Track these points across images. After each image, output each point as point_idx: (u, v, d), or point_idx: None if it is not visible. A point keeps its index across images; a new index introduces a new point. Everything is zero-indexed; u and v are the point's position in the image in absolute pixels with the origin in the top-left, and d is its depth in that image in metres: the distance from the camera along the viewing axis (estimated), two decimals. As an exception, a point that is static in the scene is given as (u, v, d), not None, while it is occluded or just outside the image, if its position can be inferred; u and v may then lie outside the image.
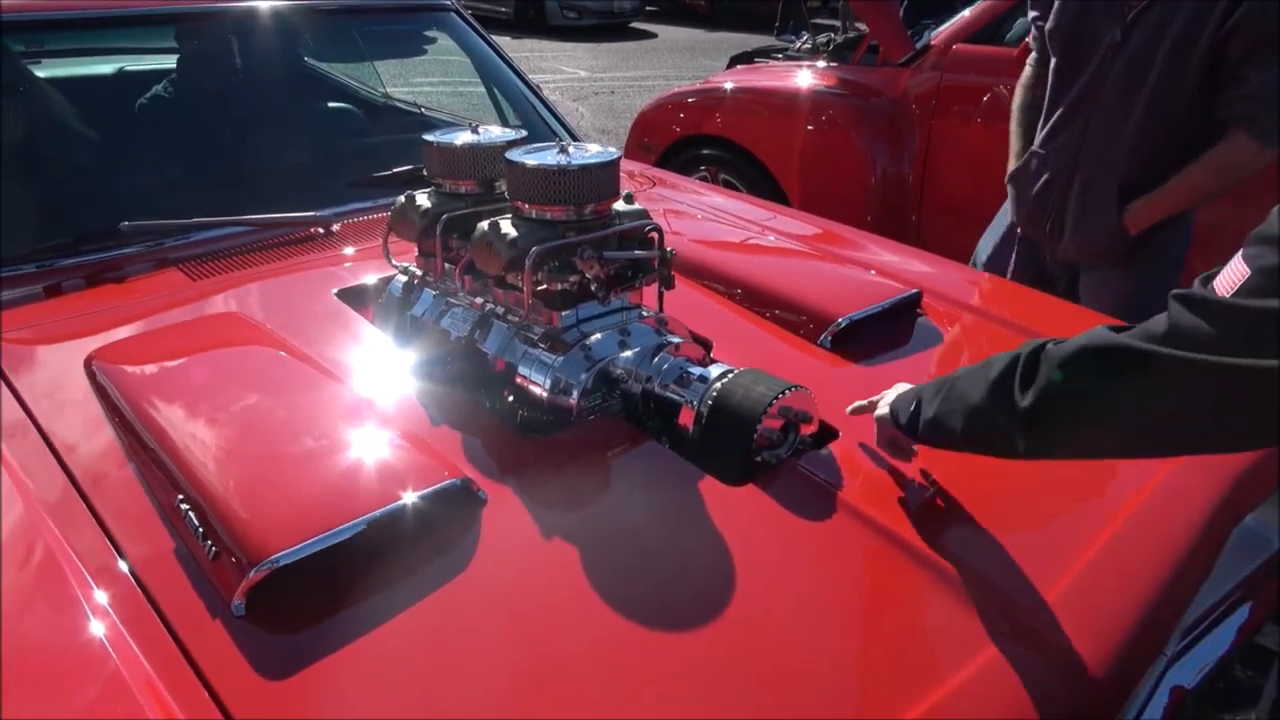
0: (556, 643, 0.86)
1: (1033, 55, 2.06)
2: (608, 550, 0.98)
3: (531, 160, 1.18)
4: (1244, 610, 1.43)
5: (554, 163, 1.17)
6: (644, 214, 1.28)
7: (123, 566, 0.90)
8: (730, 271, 1.60)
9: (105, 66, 2.52)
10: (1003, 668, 0.87)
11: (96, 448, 1.08)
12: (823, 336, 1.41)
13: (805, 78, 3.38)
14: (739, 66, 4.00)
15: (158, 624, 0.84)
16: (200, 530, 0.91)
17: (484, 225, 1.20)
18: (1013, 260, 2.06)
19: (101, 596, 0.86)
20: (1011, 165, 2.00)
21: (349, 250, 1.63)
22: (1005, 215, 2.11)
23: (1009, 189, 2.01)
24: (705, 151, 3.55)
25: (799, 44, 3.92)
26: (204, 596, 0.87)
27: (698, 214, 2.01)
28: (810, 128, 3.22)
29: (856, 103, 3.15)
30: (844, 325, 1.42)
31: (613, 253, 1.22)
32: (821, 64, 3.42)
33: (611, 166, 1.20)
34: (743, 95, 3.49)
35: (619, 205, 1.26)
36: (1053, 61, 1.91)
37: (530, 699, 0.80)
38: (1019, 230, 2.03)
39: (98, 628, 0.83)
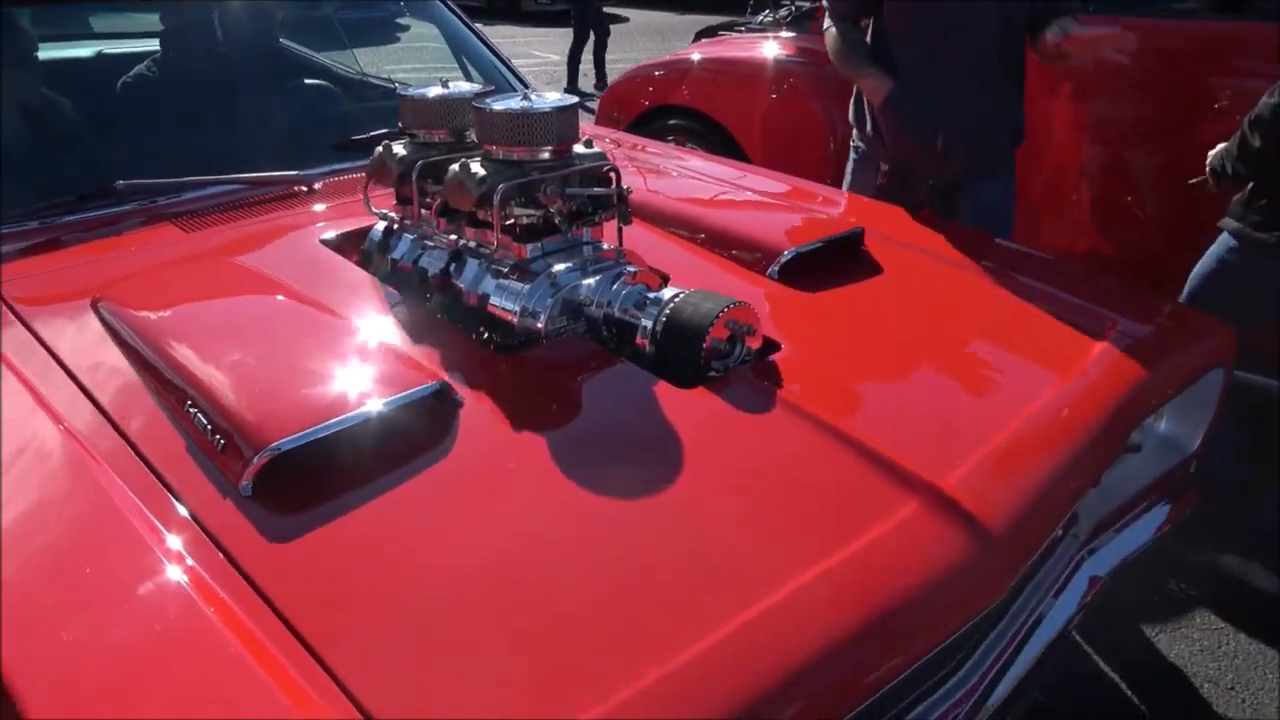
0: (527, 515, 0.99)
1: (831, 21, 2.20)
2: (572, 441, 1.11)
3: (498, 105, 1.30)
4: (1162, 510, 1.58)
5: (518, 107, 1.29)
6: (602, 156, 1.40)
7: (143, 463, 1.02)
8: (686, 215, 1.73)
9: (85, 50, 2.61)
10: (915, 526, 1.00)
11: (109, 372, 1.19)
12: (770, 268, 1.54)
13: (767, 48, 3.50)
14: (704, 40, 4.12)
15: (176, 506, 0.96)
16: (209, 427, 1.03)
17: (455, 166, 1.32)
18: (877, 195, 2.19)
19: (128, 488, 0.98)
20: (877, 99, 2.09)
21: (331, 205, 1.74)
22: (858, 165, 2.27)
23: (879, 121, 2.12)
24: (672, 122, 3.67)
25: (761, 17, 4.04)
26: (215, 482, 0.99)
27: (657, 167, 2.13)
28: (772, 95, 3.34)
29: (815, 70, 3.26)
30: (789, 258, 1.55)
31: (574, 189, 1.34)
32: (784, 34, 3.54)
33: (571, 111, 1.32)
34: (707, 66, 3.61)
35: (579, 148, 1.38)
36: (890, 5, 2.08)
37: (503, 563, 0.93)
38: (882, 166, 2.16)
39: (126, 512, 0.95)
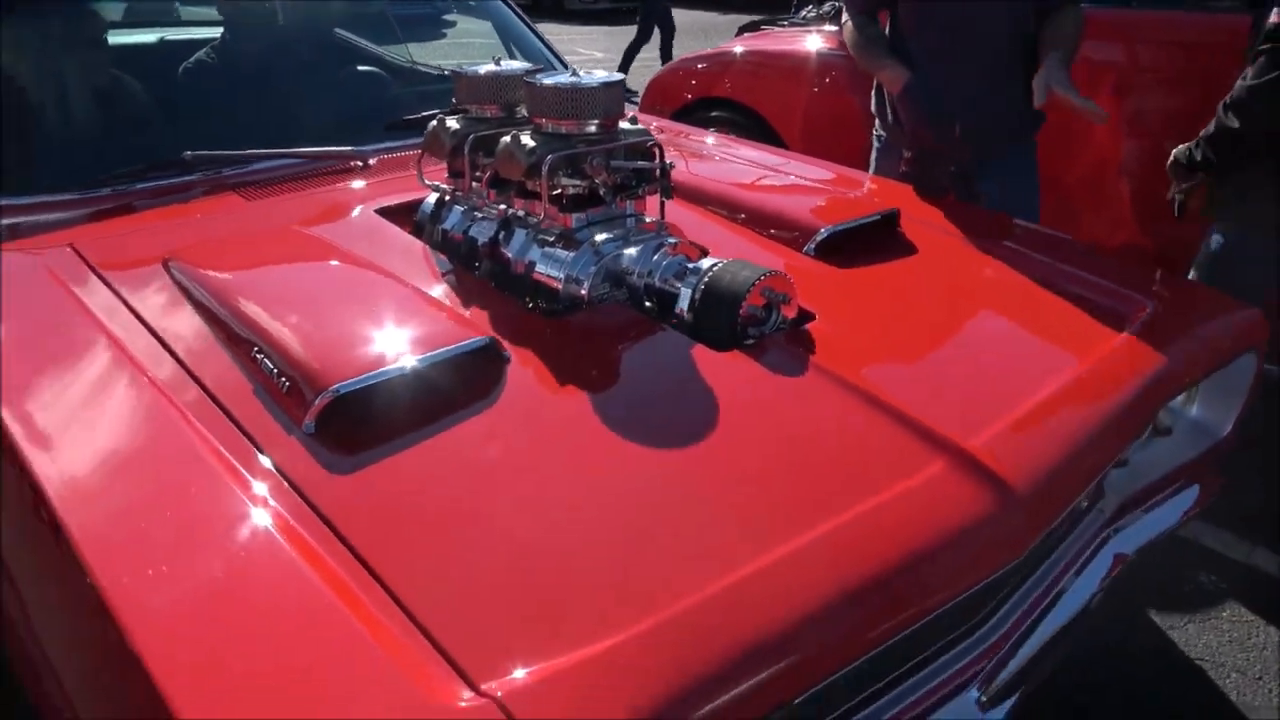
0: (568, 458, 1.05)
1: (849, 16, 2.24)
2: (610, 395, 1.17)
3: (549, 80, 1.36)
4: (1191, 493, 1.59)
5: (568, 82, 1.35)
6: (646, 132, 1.45)
7: (216, 406, 1.09)
8: (726, 195, 1.78)
9: (149, 36, 2.73)
10: (940, 483, 1.04)
11: (182, 325, 1.27)
12: (807, 245, 1.59)
13: (809, 41, 3.53)
14: (747, 34, 4.16)
15: (247, 443, 1.03)
16: (275, 371, 1.10)
17: (506, 138, 1.38)
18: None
19: (204, 428, 1.05)
20: (895, 89, 2.11)
21: (385, 179, 1.81)
22: (880, 154, 2.31)
23: (899, 111, 2.14)
24: (714, 114, 3.72)
25: (804, 11, 4.07)
26: (280, 422, 1.06)
27: (699, 150, 2.18)
28: (814, 88, 3.38)
29: (856, 64, 3.29)
30: (825, 236, 1.59)
31: (619, 162, 1.39)
32: (827, 28, 3.57)
33: (618, 87, 1.38)
34: (750, 59, 3.66)
35: (624, 124, 1.43)
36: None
37: (545, 498, 0.99)
38: (904, 154, 2.19)
39: (202, 450, 1.02)
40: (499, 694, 0.75)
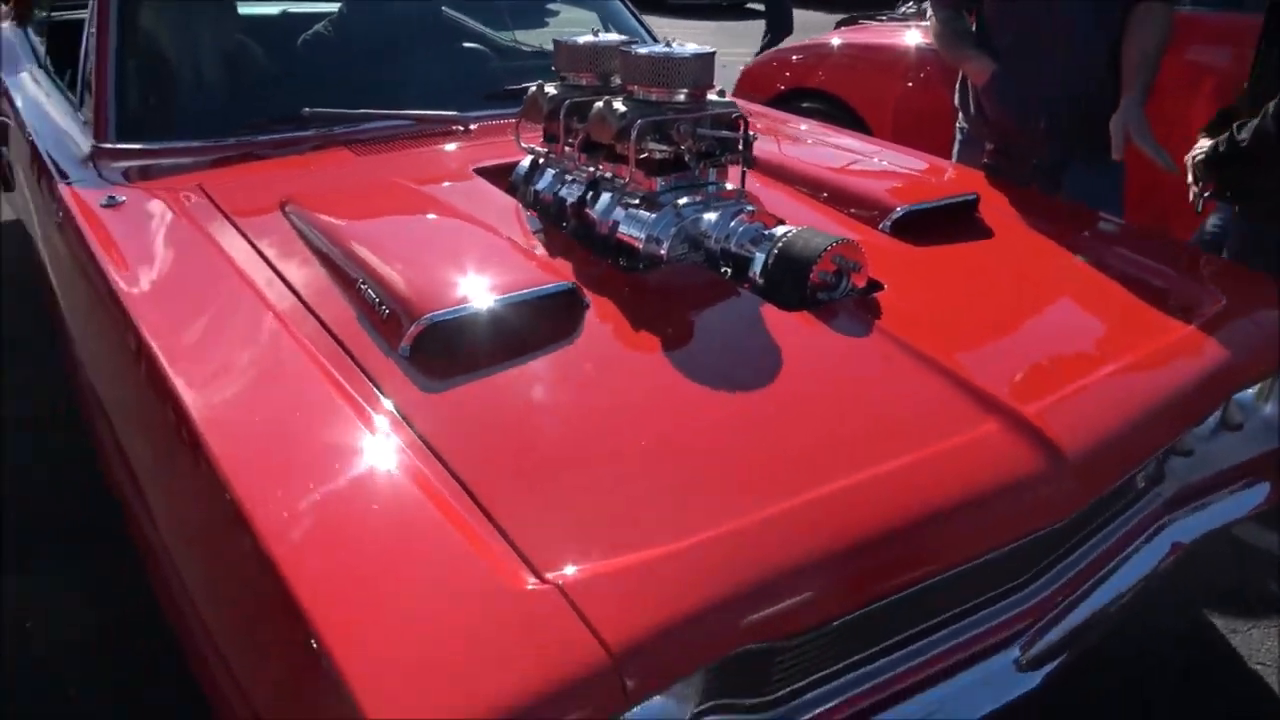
0: (639, 393, 1.13)
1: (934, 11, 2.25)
2: (682, 341, 1.25)
3: (643, 50, 1.44)
4: (1261, 489, 1.59)
5: (661, 52, 1.43)
6: (733, 104, 1.52)
7: (325, 330, 1.21)
8: (807, 173, 1.84)
9: (273, 8, 2.91)
10: (992, 441, 1.09)
11: (297, 261, 1.39)
12: (883, 223, 1.64)
13: (907, 36, 3.54)
14: (844, 28, 4.17)
15: (351, 364, 1.14)
16: (377, 301, 1.21)
17: (599, 103, 1.47)
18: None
19: (314, 347, 1.17)
20: (980, 80, 2.13)
21: (484, 143, 1.92)
22: (963, 146, 2.32)
23: (983, 103, 2.16)
24: (805, 105, 3.75)
25: (903, 7, 4.07)
26: (380, 345, 1.17)
27: (787, 132, 2.24)
28: (907, 82, 3.38)
29: (952, 59, 3.29)
30: (901, 214, 1.63)
31: (704, 130, 1.47)
32: (924, 23, 3.56)
33: (708, 58, 1.46)
34: (846, 51, 3.67)
35: (712, 95, 1.51)
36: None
37: (620, 422, 1.07)
38: (987, 146, 2.19)
39: (314, 367, 1.13)
40: (560, 581, 0.83)
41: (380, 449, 1.00)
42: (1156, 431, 1.25)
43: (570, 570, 0.85)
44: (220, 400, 1.10)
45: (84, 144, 1.85)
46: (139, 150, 1.80)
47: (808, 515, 0.94)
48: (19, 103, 2.41)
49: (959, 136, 2.39)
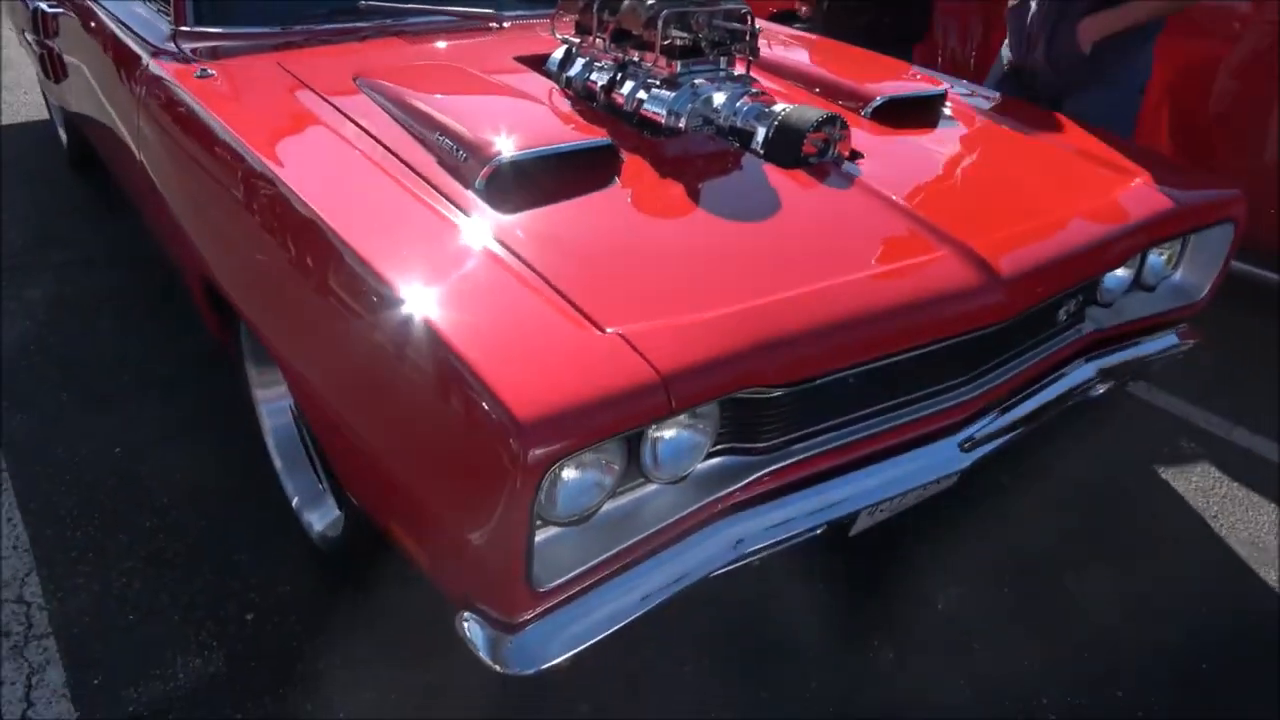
0: (666, 217, 1.43)
1: None
2: (699, 185, 1.54)
3: (668, -50, 1.70)
4: (1168, 338, 1.91)
5: (684, -47, 1.70)
6: (742, 3, 1.79)
7: (412, 171, 1.49)
8: (805, 71, 2.13)
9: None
10: (944, 262, 1.40)
11: (376, 120, 1.66)
12: (864, 109, 1.92)
13: None
14: None
15: (435, 194, 1.43)
16: (454, 147, 1.49)
17: (630, -3, 1.74)
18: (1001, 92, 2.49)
19: (408, 185, 1.45)
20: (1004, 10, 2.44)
21: (520, 37, 2.18)
22: (995, 69, 2.59)
23: (1009, 25, 2.45)
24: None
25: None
26: (459, 182, 1.45)
27: (785, 39, 2.51)
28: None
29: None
30: (880, 103, 1.92)
31: (719, 22, 1.74)
32: None
33: (723, -41, 1.72)
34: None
35: (724, -6, 1.78)
36: None
37: (655, 238, 1.37)
38: (1006, 65, 2.47)
39: (409, 198, 1.41)
40: (622, 331, 1.14)
41: (473, 249, 1.29)
42: (1078, 264, 1.55)
43: (626, 325, 1.15)
44: (350, 216, 1.36)
45: (163, 28, 2.09)
46: (216, 33, 2.03)
47: (797, 302, 1.25)
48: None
49: (999, 60, 2.62)
